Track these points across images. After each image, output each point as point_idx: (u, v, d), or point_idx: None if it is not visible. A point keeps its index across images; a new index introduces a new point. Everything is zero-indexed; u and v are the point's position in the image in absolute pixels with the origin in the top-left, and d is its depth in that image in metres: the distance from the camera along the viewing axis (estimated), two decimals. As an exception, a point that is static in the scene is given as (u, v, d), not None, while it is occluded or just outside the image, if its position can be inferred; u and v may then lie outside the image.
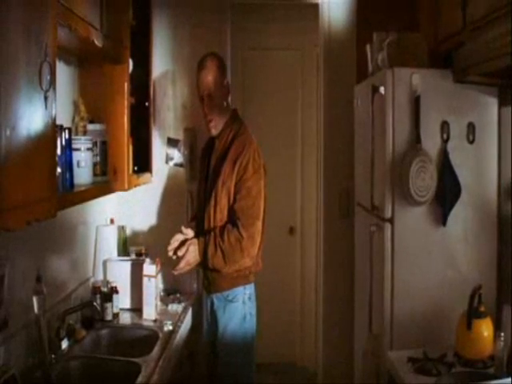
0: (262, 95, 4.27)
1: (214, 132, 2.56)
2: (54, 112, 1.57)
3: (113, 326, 2.56)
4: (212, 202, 2.47)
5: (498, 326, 2.07)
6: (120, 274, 2.77)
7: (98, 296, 2.57)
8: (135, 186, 2.77)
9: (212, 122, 2.53)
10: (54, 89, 1.57)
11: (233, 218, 2.43)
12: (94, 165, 2.25)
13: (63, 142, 1.92)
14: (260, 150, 2.51)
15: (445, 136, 2.31)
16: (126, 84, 2.51)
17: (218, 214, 2.45)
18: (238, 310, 2.49)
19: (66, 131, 1.96)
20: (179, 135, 3.28)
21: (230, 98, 2.64)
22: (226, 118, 2.56)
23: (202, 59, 2.56)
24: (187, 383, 2.80)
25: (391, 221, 2.33)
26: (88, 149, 2.14)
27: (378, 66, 2.57)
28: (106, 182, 2.36)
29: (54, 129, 1.62)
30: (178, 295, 2.94)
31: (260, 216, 2.45)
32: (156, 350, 2.24)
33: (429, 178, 2.23)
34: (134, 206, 3.26)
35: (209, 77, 2.49)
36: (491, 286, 2.32)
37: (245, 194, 2.42)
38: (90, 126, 2.38)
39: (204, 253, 2.42)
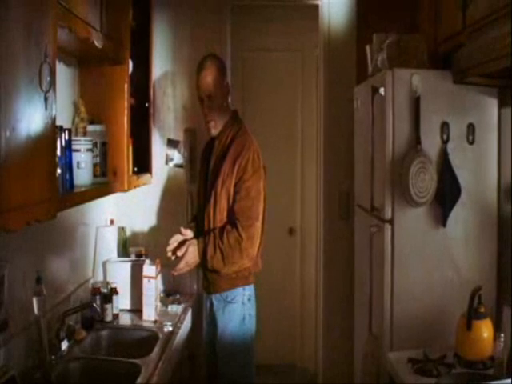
0: (262, 95, 4.27)
1: (214, 132, 2.56)
2: (53, 113, 1.57)
3: (113, 327, 2.56)
4: (211, 203, 2.47)
5: (497, 327, 2.07)
6: (120, 274, 2.77)
7: (98, 297, 2.57)
8: (135, 187, 2.77)
9: (212, 122, 2.53)
10: (54, 90, 1.57)
11: (232, 219, 2.43)
12: (94, 166, 2.25)
13: (63, 143, 1.92)
14: (260, 151, 2.51)
15: (445, 137, 2.31)
16: (125, 85, 2.51)
17: (218, 214, 2.45)
18: (237, 311, 2.49)
19: (66, 132, 1.96)
20: (179, 136, 3.28)
21: (229, 99, 2.64)
22: (226, 118, 2.56)
23: (201, 60, 2.56)
24: (187, 384, 2.81)
25: (391, 222, 2.33)
26: (88, 150, 2.14)
27: (377, 66, 2.57)
28: (105, 182, 2.36)
29: (53, 130, 1.62)
30: (178, 296, 2.95)
31: (259, 217, 2.45)
32: (156, 350, 2.24)
33: (429, 178, 2.23)
34: (134, 207, 3.25)
35: (209, 78, 2.50)
36: (491, 287, 2.32)
37: (244, 194, 2.42)
38: (90, 127, 2.38)
39: (203, 253, 2.42)
